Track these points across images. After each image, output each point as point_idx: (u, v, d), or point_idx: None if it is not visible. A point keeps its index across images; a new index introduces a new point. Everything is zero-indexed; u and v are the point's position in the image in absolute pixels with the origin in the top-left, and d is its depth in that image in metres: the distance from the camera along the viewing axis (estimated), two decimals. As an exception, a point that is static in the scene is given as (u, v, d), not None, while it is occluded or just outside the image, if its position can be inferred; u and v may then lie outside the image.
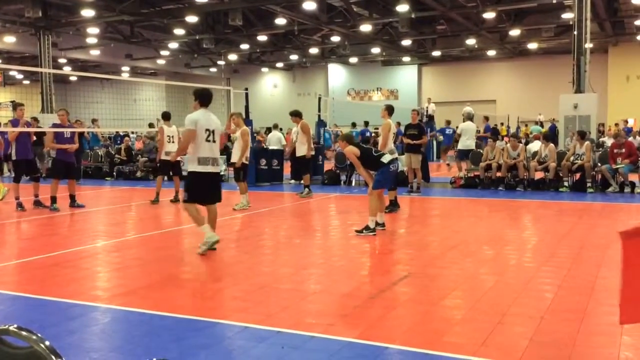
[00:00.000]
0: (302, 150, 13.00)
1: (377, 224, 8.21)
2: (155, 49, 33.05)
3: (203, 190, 6.87)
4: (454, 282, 5.57)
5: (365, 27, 26.31)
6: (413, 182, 13.22)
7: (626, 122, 27.22)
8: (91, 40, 29.33)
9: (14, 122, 11.26)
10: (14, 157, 11.33)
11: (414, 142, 12.77)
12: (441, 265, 6.27)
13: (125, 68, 38.19)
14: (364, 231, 8.05)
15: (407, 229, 9.12)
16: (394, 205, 10.24)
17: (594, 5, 20.33)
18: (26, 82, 41.92)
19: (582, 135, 13.47)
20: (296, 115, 13.10)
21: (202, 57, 35.68)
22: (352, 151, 8.27)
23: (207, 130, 6.77)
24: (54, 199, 10.93)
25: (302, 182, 13.78)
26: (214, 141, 6.85)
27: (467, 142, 15.14)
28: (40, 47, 25.06)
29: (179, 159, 12.04)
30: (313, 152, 13.26)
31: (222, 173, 7.08)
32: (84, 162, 18.78)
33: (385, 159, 8.25)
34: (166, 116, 12.51)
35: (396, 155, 10.30)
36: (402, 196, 10.98)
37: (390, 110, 10.51)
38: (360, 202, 12.33)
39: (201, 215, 6.84)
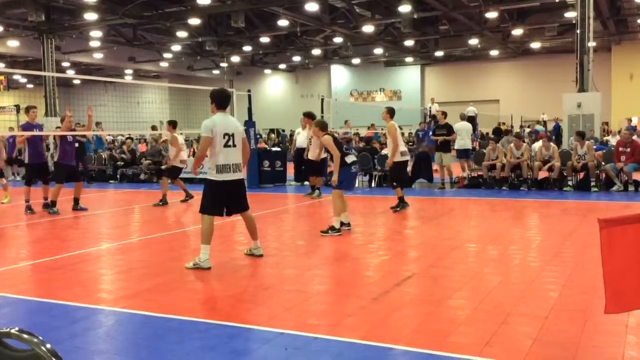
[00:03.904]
0: (314, 154, 12.92)
1: (342, 223, 8.21)
2: (158, 52, 33.12)
3: (221, 200, 6.35)
4: (458, 282, 5.55)
5: (368, 28, 26.30)
6: (445, 178, 14.14)
7: (630, 120, 27.12)
8: (94, 44, 29.41)
9: (26, 126, 11.19)
10: (25, 161, 11.33)
11: (443, 139, 14.00)
12: (445, 266, 6.26)
13: (129, 71, 38.28)
14: (329, 232, 8.05)
15: (411, 229, 9.11)
16: (403, 203, 10.38)
17: (596, 4, 20.29)
18: (30, 86, 42.05)
19: (582, 136, 13.44)
20: (309, 116, 13.06)
21: (204, 59, 35.74)
22: (330, 140, 8.15)
23: (225, 135, 6.24)
24: (53, 203, 10.95)
25: (307, 183, 13.77)
26: (234, 146, 6.30)
27: (461, 142, 15.24)
28: (44, 51, 25.14)
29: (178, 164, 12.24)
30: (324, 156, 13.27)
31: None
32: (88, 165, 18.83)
33: (349, 159, 8.27)
34: (175, 124, 12.52)
35: (407, 157, 10.53)
36: (442, 198, 10.96)
37: (391, 112, 10.29)
38: (362, 202, 12.33)
39: (211, 233, 6.29)
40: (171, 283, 5.75)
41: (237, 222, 9.37)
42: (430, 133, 18.01)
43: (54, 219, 10.45)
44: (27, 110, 11.27)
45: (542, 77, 33.99)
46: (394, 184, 10.43)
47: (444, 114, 14.75)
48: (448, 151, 14.26)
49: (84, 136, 16.45)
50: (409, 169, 15.30)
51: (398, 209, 10.26)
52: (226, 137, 6.25)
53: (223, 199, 6.36)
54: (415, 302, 5.00)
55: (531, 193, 12.99)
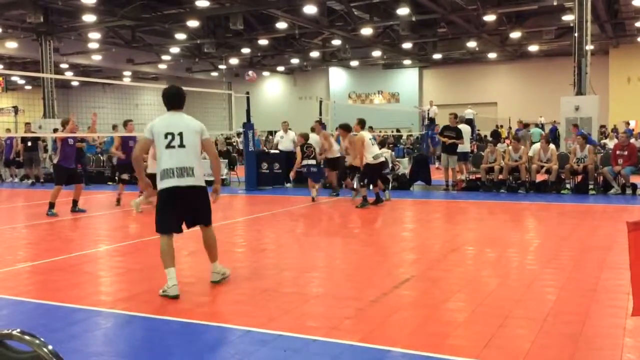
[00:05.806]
0: (356, 161, 12.97)
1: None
2: (156, 54, 33.11)
3: (171, 212, 5.35)
4: (456, 284, 5.57)
5: (366, 31, 26.32)
6: (449, 180, 14.48)
7: (627, 123, 27.17)
8: (93, 45, 29.37)
9: (125, 138, 12.07)
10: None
11: (450, 141, 14.36)
12: (443, 268, 6.27)
13: (127, 73, 38.27)
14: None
15: (409, 231, 9.12)
16: (366, 202, 11.35)
17: (594, 7, 20.34)
18: (28, 87, 42.01)
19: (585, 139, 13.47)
20: (343, 128, 13.01)
21: (203, 62, 35.72)
22: (298, 150, 12.05)
23: (168, 134, 5.29)
24: (51, 205, 10.95)
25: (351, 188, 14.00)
26: (181, 146, 5.29)
27: (460, 145, 15.26)
28: (42, 53, 25.13)
29: None
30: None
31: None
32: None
33: (305, 162, 11.77)
34: None
35: (381, 159, 11.64)
36: (440, 201, 11.02)
37: (362, 123, 11.77)
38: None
39: (171, 255, 5.35)
40: (170, 285, 5.73)
41: (233, 224, 9.37)
42: (430, 133, 18.15)
43: (52, 221, 10.44)
44: (126, 123, 12.64)
45: (540, 80, 34.04)
46: (361, 183, 11.60)
47: (456, 117, 15.09)
48: (454, 153, 14.37)
49: (84, 140, 16.43)
50: (407, 171, 15.38)
51: (359, 206, 11.16)
52: (169, 137, 5.29)
53: (172, 210, 5.36)
54: (414, 304, 5.01)
55: (529, 196, 13.01)
